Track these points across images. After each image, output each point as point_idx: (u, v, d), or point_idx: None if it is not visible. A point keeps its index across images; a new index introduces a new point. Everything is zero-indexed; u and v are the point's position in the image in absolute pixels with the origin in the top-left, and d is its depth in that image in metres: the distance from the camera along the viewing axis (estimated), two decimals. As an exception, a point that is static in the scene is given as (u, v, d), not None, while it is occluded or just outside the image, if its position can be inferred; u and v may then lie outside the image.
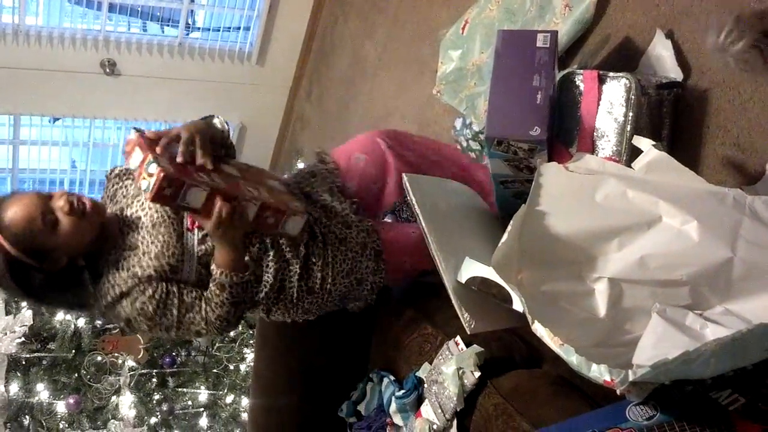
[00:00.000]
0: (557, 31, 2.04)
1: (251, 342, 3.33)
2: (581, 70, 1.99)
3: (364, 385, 2.19)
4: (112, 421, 2.81)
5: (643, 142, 1.68)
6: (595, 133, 1.93)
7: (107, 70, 4.78)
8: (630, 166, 1.69)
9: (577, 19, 2.29)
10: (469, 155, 2.52)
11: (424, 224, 1.84)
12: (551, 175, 1.70)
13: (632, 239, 1.53)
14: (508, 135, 1.93)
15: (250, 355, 3.41)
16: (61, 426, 2.78)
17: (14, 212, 1.72)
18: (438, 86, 2.82)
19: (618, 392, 1.20)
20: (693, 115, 1.97)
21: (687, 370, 1.19)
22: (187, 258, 1.86)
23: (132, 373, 2.94)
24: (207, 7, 5.08)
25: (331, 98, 4.77)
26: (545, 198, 1.64)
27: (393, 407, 2.01)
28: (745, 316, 1.42)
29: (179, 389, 3.24)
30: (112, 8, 4.71)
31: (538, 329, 1.34)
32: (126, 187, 1.98)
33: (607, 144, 1.91)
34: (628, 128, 1.87)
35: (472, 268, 1.74)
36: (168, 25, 5.15)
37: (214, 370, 3.34)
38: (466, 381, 1.77)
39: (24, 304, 2.77)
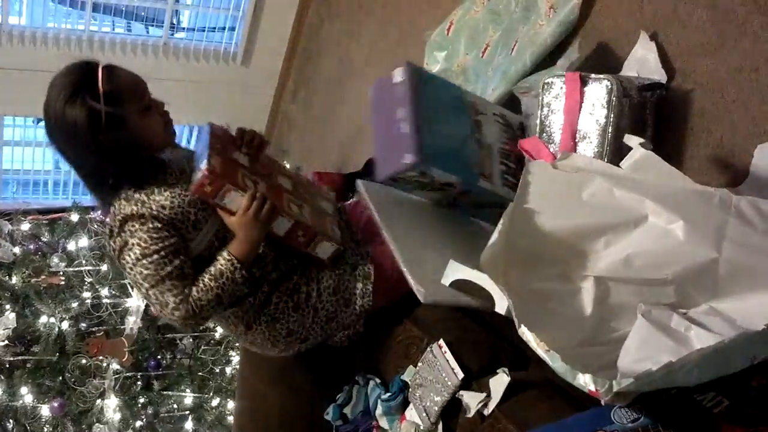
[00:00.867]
0: (411, 62, 2.08)
1: (237, 345, 3.32)
2: (563, 72, 2.00)
3: (350, 388, 2.18)
4: (97, 424, 2.79)
5: (633, 141, 1.69)
6: (577, 135, 1.94)
7: (91, 71, 4.74)
8: (618, 165, 1.70)
9: (562, 20, 2.29)
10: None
11: (380, 222, 1.93)
12: (538, 174, 1.70)
13: (618, 238, 1.53)
14: (392, 172, 1.96)
15: (235, 357, 3.40)
16: (45, 430, 2.76)
17: (126, 74, 1.90)
18: (423, 88, 2.82)
19: (603, 402, 1.20)
20: (676, 116, 1.98)
21: (671, 380, 1.20)
22: (210, 223, 1.88)
23: (117, 376, 2.92)
24: (192, 7, 5.06)
25: (317, 99, 4.77)
26: (532, 196, 1.65)
27: (379, 410, 2.00)
28: (730, 315, 1.43)
29: (164, 392, 3.23)
30: (96, 8, 4.68)
31: (525, 333, 1.34)
32: None
33: (589, 145, 1.92)
34: (610, 130, 1.88)
35: (456, 272, 1.75)
36: (153, 25, 5.13)
37: (200, 373, 3.32)
38: None
39: (8, 306, 2.76)
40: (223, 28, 5.04)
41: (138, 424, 3.13)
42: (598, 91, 1.90)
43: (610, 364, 1.36)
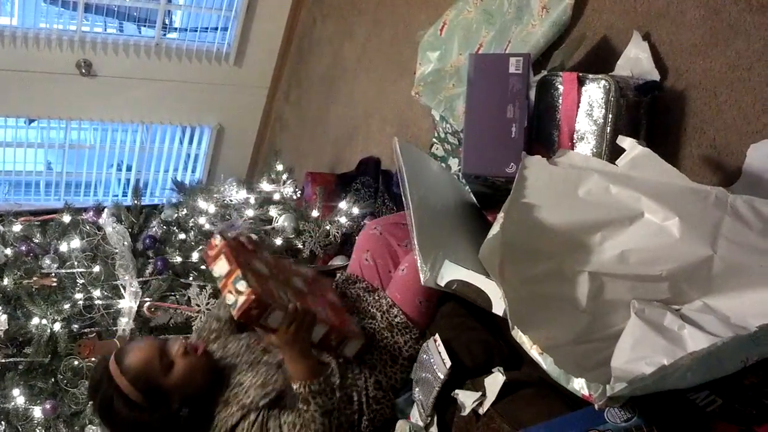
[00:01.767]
0: (530, 54, 2.04)
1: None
2: (560, 72, 2.00)
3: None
4: (89, 426, 2.77)
5: (626, 142, 1.69)
6: (574, 135, 1.94)
7: (83, 71, 4.73)
8: (614, 163, 1.70)
9: (555, 21, 2.30)
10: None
11: (408, 189, 1.91)
12: (535, 169, 1.71)
13: (614, 234, 1.54)
14: (484, 173, 1.96)
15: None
16: (37, 431, 2.74)
17: (134, 355, 1.87)
18: (416, 87, 2.82)
19: (596, 407, 1.21)
20: (670, 116, 1.98)
21: (664, 384, 1.20)
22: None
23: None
24: (184, 8, 5.04)
25: (310, 100, 4.76)
26: (529, 191, 1.65)
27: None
28: (724, 313, 1.44)
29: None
30: (88, 8, 4.66)
31: (519, 335, 1.34)
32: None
33: (587, 146, 1.92)
34: (608, 130, 1.88)
35: (452, 272, 1.75)
36: (145, 26, 5.11)
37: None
38: None
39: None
40: (216, 28, 5.03)
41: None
42: (595, 91, 1.90)
43: (604, 361, 1.36)
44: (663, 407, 1.30)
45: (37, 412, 2.73)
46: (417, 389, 1.91)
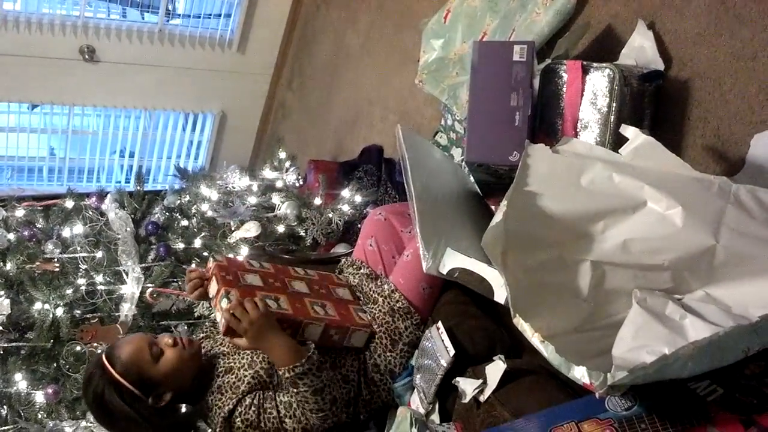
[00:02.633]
0: (534, 42, 2.03)
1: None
2: (564, 61, 1.99)
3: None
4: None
5: (630, 131, 1.69)
6: (578, 124, 1.94)
7: (86, 57, 4.72)
8: (618, 152, 1.70)
9: (559, 9, 2.29)
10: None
11: (410, 176, 1.91)
12: (538, 158, 1.70)
13: (617, 223, 1.54)
14: (487, 161, 1.95)
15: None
16: (39, 416, 2.75)
17: (125, 346, 1.93)
18: (420, 75, 2.81)
19: (597, 395, 1.21)
20: (673, 106, 1.98)
21: (665, 373, 1.20)
22: None
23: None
24: (188, -6, 5.03)
25: (312, 87, 4.75)
26: (532, 180, 1.65)
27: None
28: (725, 302, 1.44)
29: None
30: (91, -7, 4.66)
31: (520, 323, 1.34)
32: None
33: (590, 134, 1.91)
34: (612, 119, 1.88)
35: (454, 259, 1.75)
36: (148, 11, 5.09)
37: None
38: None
39: (2, 293, 2.75)
40: (219, 15, 5.01)
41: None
42: (600, 80, 1.90)
43: (605, 350, 1.36)
44: (664, 396, 1.31)
45: (39, 397, 2.74)
46: (418, 376, 1.91)
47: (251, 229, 2.95)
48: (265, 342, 1.87)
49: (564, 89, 1.97)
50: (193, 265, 2.18)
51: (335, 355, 2.06)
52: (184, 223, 3.08)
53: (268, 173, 3.31)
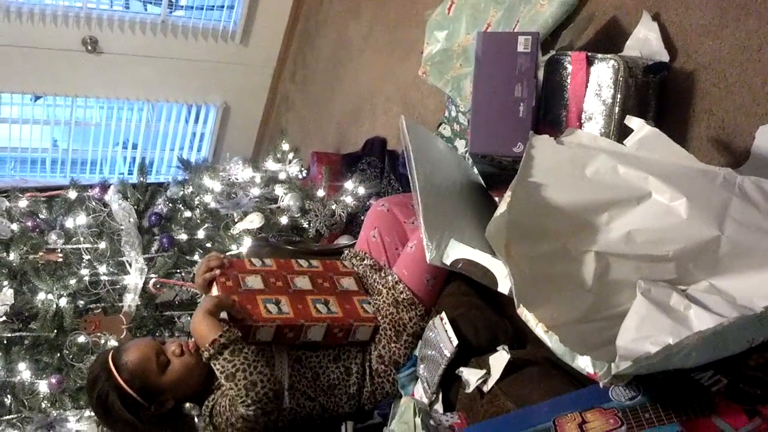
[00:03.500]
0: (538, 33, 2.03)
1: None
2: (569, 52, 1.98)
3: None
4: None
5: (634, 122, 1.68)
6: (583, 115, 1.93)
7: (89, 48, 4.72)
8: (622, 143, 1.69)
9: (564, 0, 2.28)
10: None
11: (414, 168, 1.90)
12: (543, 149, 1.70)
13: (621, 214, 1.53)
14: (491, 152, 1.95)
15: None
16: (43, 405, 2.76)
17: (132, 353, 1.92)
18: (424, 67, 2.81)
19: (601, 385, 1.21)
20: (679, 97, 1.97)
21: (669, 363, 1.20)
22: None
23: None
24: (191, -15, 5.03)
25: (315, 79, 4.75)
26: (536, 171, 1.64)
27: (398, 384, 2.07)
28: (730, 293, 1.43)
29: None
30: (94, -15, 4.65)
31: (524, 314, 1.34)
32: None
33: (595, 126, 1.91)
34: (617, 110, 1.87)
35: (458, 250, 1.75)
36: (151, 3, 5.09)
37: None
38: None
39: (5, 283, 2.76)
40: (222, 7, 5.01)
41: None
42: (604, 71, 1.89)
43: (610, 340, 1.36)
44: (668, 386, 1.31)
45: (43, 387, 2.75)
46: (422, 366, 1.92)
47: (254, 221, 2.96)
48: (193, 323, 1.87)
49: (568, 80, 1.96)
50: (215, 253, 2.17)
51: (339, 346, 2.06)
52: (187, 214, 3.09)
53: (271, 165, 3.31)
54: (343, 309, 2.07)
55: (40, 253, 2.81)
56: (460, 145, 2.75)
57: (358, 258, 2.31)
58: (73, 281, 2.79)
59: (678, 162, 1.60)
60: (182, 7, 5.12)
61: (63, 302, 2.78)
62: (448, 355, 1.79)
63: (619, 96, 1.87)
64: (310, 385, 1.99)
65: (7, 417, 2.76)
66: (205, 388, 1.97)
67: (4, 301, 2.74)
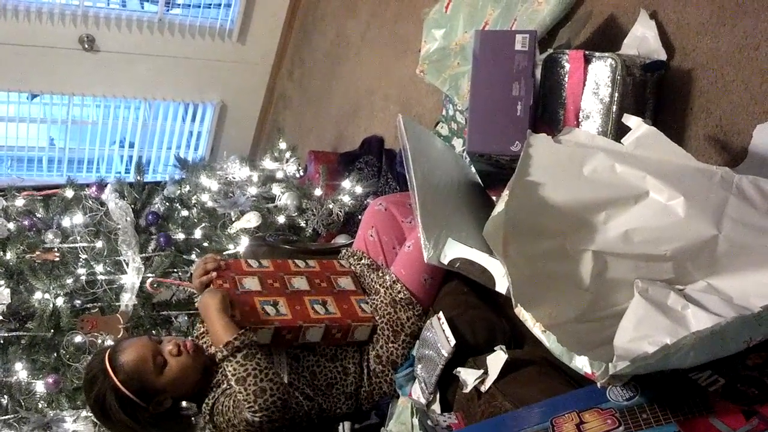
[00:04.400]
0: (536, 31, 2.02)
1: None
2: (567, 50, 1.98)
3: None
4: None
5: (632, 120, 1.68)
6: (580, 114, 1.93)
7: (86, 46, 4.71)
8: (620, 142, 1.69)
9: (561, -2, 2.28)
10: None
11: (411, 166, 1.91)
12: (540, 147, 1.70)
13: (618, 213, 1.53)
14: (488, 151, 1.95)
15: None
16: (39, 405, 2.76)
17: (128, 354, 1.90)
18: (421, 66, 2.80)
19: (599, 385, 1.21)
20: (676, 96, 1.97)
21: (666, 363, 1.20)
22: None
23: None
24: (187, -17, 5.02)
25: (313, 77, 4.74)
26: (534, 170, 1.64)
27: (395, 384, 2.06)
28: (727, 293, 1.44)
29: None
30: (90, -17, 4.64)
31: (522, 313, 1.34)
32: None
33: (593, 124, 1.91)
34: (614, 108, 1.87)
35: (455, 250, 1.74)
36: (148, 1, 5.08)
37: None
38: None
39: (2, 282, 2.75)
40: (219, 5, 4.99)
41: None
42: (602, 70, 1.89)
43: (607, 340, 1.36)
44: (665, 386, 1.31)
45: (40, 387, 2.74)
46: (419, 366, 1.91)
47: (251, 220, 2.95)
48: (207, 320, 1.90)
49: (566, 79, 1.96)
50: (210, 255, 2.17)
51: (336, 347, 2.06)
52: (185, 213, 3.08)
53: (268, 164, 3.31)
54: (341, 309, 2.06)
55: (37, 253, 2.80)
56: (458, 143, 2.75)
57: (355, 257, 2.30)
58: (69, 280, 2.78)
59: (675, 161, 1.59)
60: (179, 5, 5.11)
61: (60, 302, 2.77)
62: (446, 354, 1.78)
63: (616, 94, 1.87)
64: (308, 385, 1.98)
65: (4, 417, 2.76)
66: (203, 387, 1.97)
67: (0, 301, 2.73)
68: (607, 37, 2.19)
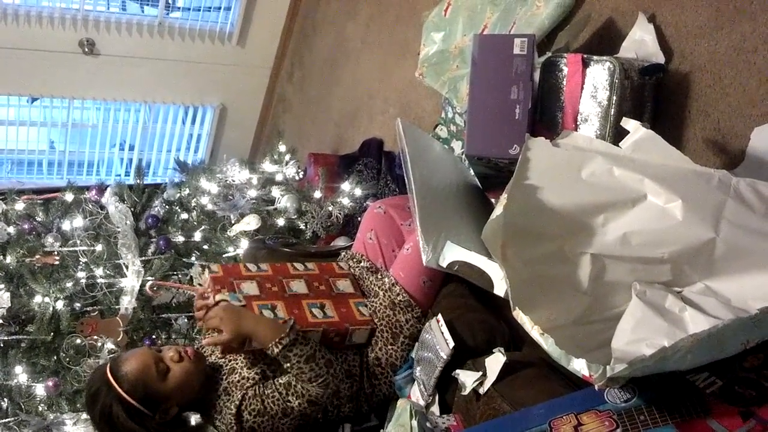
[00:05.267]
0: (534, 35, 2.03)
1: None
2: (565, 54, 1.99)
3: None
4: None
5: (631, 124, 1.69)
6: (578, 117, 1.93)
7: (86, 50, 4.72)
8: (618, 145, 1.70)
9: (560, 2, 2.28)
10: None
11: (410, 170, 1.92)
12: (538, 151, 1.70)
13: (617, 216, 1.54)
14: (487, 154, 1.96)
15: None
16: (40, 409, 2.76)
17: (130, 363, 1.90)
18: (420, 68, 2.81)
19: (597, 387, 1.21)
20: (674, 99, 1.98)
21: (664, 365, 1.20)
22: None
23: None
24: (187, -13, 5.03)
25: (313, 80, 4.74)
26: (532, 173, 1.65)
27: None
28: (725, 294, 1.44)
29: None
30: (90, -14, 4.65)
31: (520, 316, 1.34)
32: None
33: (591, 128, 1.91)
34: (612, 112, 1.87)
35: (454, 252, 1.75)
36: (147, 5, 5.08)
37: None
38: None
39: (2, 286, 2.75)
40: (219, 8, 5.01)
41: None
42: (600, 73, 1.90)
43: (605, 343, 1.36)
44: (663, 388, 1.31)
45: (40, 390, 2.74)
46: (418, 368, 1.92)
47: (251, 222, 2.95)
48: (246, 326, 1.90)
49: (564, 82, 1.96)
50: (197, 281, 2.18)
51: (336, 350, 2.06)
52: (184, 216, 3.08)
53: (268, 166, 3.31)
54: (339, 313, 2.07)
55: (37, 256, 2.80)
56: (457, 146, 2.75)
57: (354, 260, 2.31)
58: (69, 284, 2.78)
59: (673, 164, 1.60)
60: (179, 8, 5.12)
61: (60, 305, 2.77)
62: (445, 357, 1.79)
63: (614, 98, 1.87)
64: None
65: (4, 420, 2.76)
66: (207, 396, 1.97)
67: (0, 305, 2.74)
68: (606, 41, 2.19)
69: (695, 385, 1.29)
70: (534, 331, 1.31)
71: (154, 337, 2.92)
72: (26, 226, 2.88)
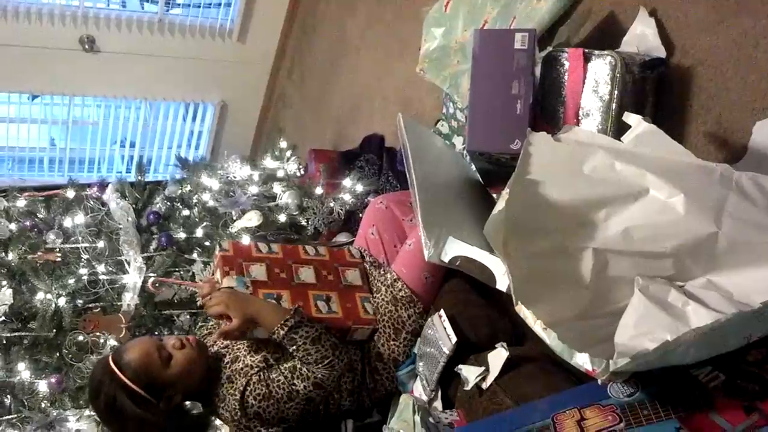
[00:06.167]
0: (535, 30, 2.03)
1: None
2: (566, 48, 1.98)
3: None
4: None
5: (632, 118, 1.68)
6: (580, 112, 1.93)
7: (86, 47, 4.71)
8: (619, 140, 1.70)
9: (561, -4, 2.28)
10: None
11: (412, 165, 1.91)
12: (540, 146, 1.70)
13: (619, 210, 1.54)
14: (488, 149, 1.95)
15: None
16: (42, 405, 2.76)
17: (133, 352, 1.91)
18: (421, 64, 2.81)
19: (599, 382, 1.21)
20: (675, 93, 1.97)
21: (667, 359, 1.20)
22: None
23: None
24: (187, -17, 5.02)
25: (313, 77, 4.74)
26: (534, 168, 1.65)
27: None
28: (728, 288, 1.44)
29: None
30: (90, -17, 4.65)
31: (522, 311, 1.34)
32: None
33: (592, 122, 1.91)
34: (614, 106, 1.87)
35: (456, 248, 1.75)
36: (148, 1, 5.09)
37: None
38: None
39: (4, 283, 2.76)
40: (219, 4, 5.00)
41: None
42: (601, 68, 1.89)
43: (608, 337, 1.36)
44: (666, 383, 1.31)
45: (43, 386, 2.75)
46: (421, 364, 1.92)
47: (252, 219, 2.95)
48: (251, 309, 1.90)
49: (566, 77, 1.96)
50: (199, 278, 2.18)
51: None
52: (186, 212, 3.08)
53: (269, 163, 3.31)
54: (344, 308, 2.06)
55: (39, 253, 2.80)
56: (458, 141, 2.75)
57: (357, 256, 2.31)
58: (71, 281, 2.78)
59: (675, 158, 1.60)
60: (179, 5, 5.12)
61: (62, 302, 2.77)
62: (447, 352, 1.79)
63: (616, 92, 1.87)
64: None
65: (7, 417, 2.76)
66: (209, 385, 1.98)
67: (2, 301, 2.74)
68: (607, 35, 2.19)
69: (698, 379, 1.30)
70: (536, 326, 1.31)
71: (156, 333, 2.92)
72: (28, 223, 2.88)
